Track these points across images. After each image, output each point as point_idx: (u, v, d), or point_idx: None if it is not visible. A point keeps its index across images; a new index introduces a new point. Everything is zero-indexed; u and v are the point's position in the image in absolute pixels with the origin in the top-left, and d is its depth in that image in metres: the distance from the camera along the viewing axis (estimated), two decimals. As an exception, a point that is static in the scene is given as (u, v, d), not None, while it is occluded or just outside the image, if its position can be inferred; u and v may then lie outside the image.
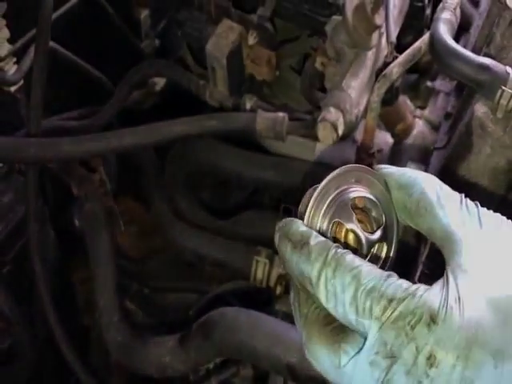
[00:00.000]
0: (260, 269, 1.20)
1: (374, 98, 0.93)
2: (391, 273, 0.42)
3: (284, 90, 1.24)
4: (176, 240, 1.27)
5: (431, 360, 0.39)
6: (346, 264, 0.41)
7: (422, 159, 0.99)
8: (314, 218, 0.44)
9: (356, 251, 0.45)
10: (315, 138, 0.96)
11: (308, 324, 0.44)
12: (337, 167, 0.45)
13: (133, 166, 1.39)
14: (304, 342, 0.44)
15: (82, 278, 1.44)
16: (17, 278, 1.12)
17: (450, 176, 0.83)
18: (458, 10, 0.84)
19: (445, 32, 0.74)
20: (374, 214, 0.46)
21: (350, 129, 0.96)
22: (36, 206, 1.04)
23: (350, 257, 0.42)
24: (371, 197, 0.45)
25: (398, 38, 0.98)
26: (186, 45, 1.18)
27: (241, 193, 1.44)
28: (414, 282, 0.41)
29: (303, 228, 0.44)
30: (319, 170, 1.14)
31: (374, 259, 0.47)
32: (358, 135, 1.09)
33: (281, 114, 1.02)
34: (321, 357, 0.43)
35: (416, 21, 1.09)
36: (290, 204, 1.25)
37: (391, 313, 0.39)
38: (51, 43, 0.99)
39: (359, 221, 0.45)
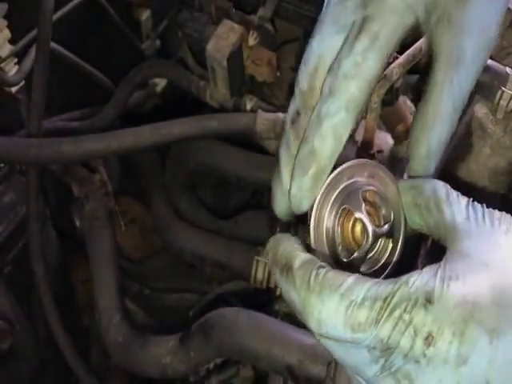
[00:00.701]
0: (260, 269, 1.20)
1: (374, 99, 0.93)
2: (379, 280, 0.41)
3: (284, 91, 1.24)
4: (176, 240, 1.27)
5: (429, 340, 0.39)
6: (329, 285, 0.41)
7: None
8: (324, 203, 0.44)
9: (359, 245, 0.45)
10: (315, 139, 0.96)
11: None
12: (336, 168, 0.45)
13: (133, 166, 1.39)
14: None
15: (82, 278, 1.45)
16: (17, 279, 1.12)
17: (449, 177, 0.83)
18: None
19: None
20: (383, 211, 0.46)
21: (350, 129, 0.96)
22: (37, 206, 1.04)
23: (331, 274, 0.41)
24: (383, 193, 0.46)
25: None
26: (186, 46, 1.18)
27: (241, 193, 1.44)
28: None
29: (288, 248, 0.44)
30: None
31: (378, 255, 0.46)
32: (358, 136, 1.09)
33: (281, 115, 1.02)
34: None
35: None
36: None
37: (387, 306, 0.40)
38: (52, 44, 0.99)
39: (368, 213, 0.45)
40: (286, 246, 0.45)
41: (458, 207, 0.45)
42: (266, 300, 1.20)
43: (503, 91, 0.67)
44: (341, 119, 0.44)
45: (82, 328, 1.42)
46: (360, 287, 0.41)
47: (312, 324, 0.41)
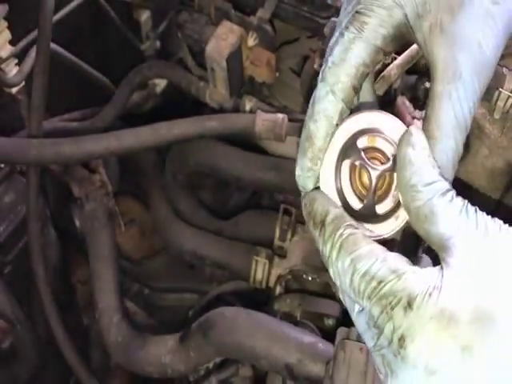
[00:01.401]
0: (259, 269, 1.20)
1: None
2: (389, 254, 0.43)
3: (284, 92, 1.24)
4: (176, 240, 1.28)
5: (401, 342, 0.40)
6: (347, 247, 0.44)
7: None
8: (328, 171, 0.47)
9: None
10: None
11: None
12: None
13: (133, 166, 1.39)
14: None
15: (82, 278, 1.45)
16: (18, 278, 1.12)
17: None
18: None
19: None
20: (385, 150, 0.46)
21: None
22: (37, 206, 1.05)
23: (353, 238, 0.44)
24: (382, 134, 0.46)
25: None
26: (186, 46, 1.18)
27: (240, 193, 1.45)
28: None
29: (323, 203, 0.47)
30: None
31: (389, 187, 0.46)
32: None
33: (280, 116, 1.03)
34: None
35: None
36: (289, 205, 1.26)
37: (378, 292, 0.42)
38: (52, 45, 1.00)
39: (369, 157, 0.46)
40: (321, 201, 0.48)
41: (449, 217, 0.43)
42: (265, 300, 1.21)
43: (500, 92, 0.68)
44: (329, 101, 0.47)
45: (82, 328, 1.42)
46: (367, 259, 0.43)
47: (330, 271, 0.46)
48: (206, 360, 0.94)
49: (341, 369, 0.65)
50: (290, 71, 1.21)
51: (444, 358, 0.39)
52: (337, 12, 1.00)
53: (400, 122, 0.46)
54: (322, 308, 1.04)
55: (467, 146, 0.78)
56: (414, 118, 1.17)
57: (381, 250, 0.44)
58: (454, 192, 0.44)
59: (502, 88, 0.67)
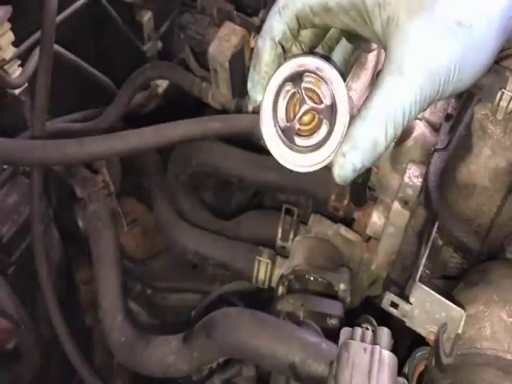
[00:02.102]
0: (262, 269, 1.20)
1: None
2: None
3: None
4: (178, 240, 1.28)
5: None
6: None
7: (423, 160, 1.00)
8: (272, 89, 0.52)
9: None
10: (317, 140, 0.96)
11: None
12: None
13: (135, 167, 1.40)
14: None
15: (85, 278, 1.45)
16: (21, 279, 1.12)
17: (450, 177, 0.83)
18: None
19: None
20: (325, 96, 0.51)
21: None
22: (40, 207, 1.05)
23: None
24: (328, 80, 0.50)
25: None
26: (188, 47, 1.19)
27: (242, 194, 1.45)
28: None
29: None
30: (320, 171, 1.15)
31: (311, 130, 0.51)
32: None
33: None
34: None
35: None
36: (291, 205, 1.26)
37: None
38: (54, 46, 1.00)
39: (308, 94, 0.51)
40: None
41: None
42: (267, 300, 1.21)
43: (503, 92, 0.68)
44: (275, 20, 0.52)
45: (85, 328, 1.42)
46: None
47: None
48: (210, 360, 0.94)
49: (344, 369, 0.65)
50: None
51: None
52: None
53: (345, 88, 0.50)
54: (325, 308, 1.04)
55: (470, 146, 0.78)
56: (415, 118, 1.17)
57: None
58: None
59: (505, 89, 0.67)
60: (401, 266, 1.02)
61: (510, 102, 0.68)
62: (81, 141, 0.98)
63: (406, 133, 1.12)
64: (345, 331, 0.73)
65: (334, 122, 0.50)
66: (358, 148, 0.48)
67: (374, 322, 0.73)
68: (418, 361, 0.77)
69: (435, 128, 0.99)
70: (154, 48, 1.42)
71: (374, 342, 0.70)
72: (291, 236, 1.22)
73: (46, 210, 1.16)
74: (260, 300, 1.25)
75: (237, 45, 1.09)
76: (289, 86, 0.51)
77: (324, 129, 0.50)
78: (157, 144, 1.01)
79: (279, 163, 0.53)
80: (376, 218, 1.09)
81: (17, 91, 1.07)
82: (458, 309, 0.70)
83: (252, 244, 1.25)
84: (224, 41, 1.08)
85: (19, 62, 1.06)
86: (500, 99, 0.69)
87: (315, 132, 0.51)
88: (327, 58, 0.56)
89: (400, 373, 0.72)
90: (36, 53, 1.05)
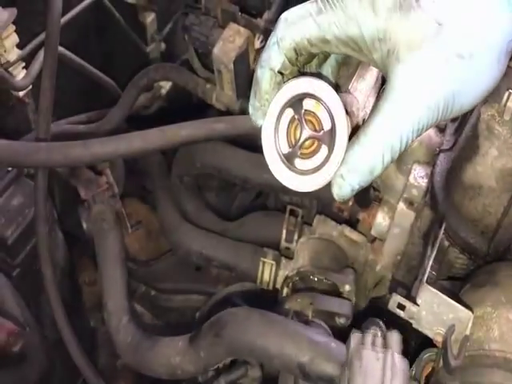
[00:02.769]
0: (267, 270, 1.20)
1: (380, 101, 0.93)
2: None
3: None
4: (182, 242, 1.28)
5: None
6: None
7: (429, 161, 0.99)
8: (273, 113, 0.53)
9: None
10: (321, 141, 0.96)
11: None
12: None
13: (139, 168, 1.40)
14: None
15: (88, 280, 1.45)
16: (26, 281, 1.12)
17: (456, 178, 0.83)
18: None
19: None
20: (324, 121, 0.52)
21: (357, 131, 0.97)
22: (45, 209, 1.05)
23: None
24: (326, 105, 0.52)
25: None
26: (192, 49, 1.19)
27: (247, 195, 1.45)
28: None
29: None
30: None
31: (312, 154, 0.53)
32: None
33: (287, 117, 1.03)
34: None
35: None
36: (295, 206, 1.26)
37: None
38: (59, 48, 1.00)
39: (308, 120, 0.53)
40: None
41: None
42: (272, 301, 1.21)
43: (510, 93, 0.68)
44: (274, 51, 0.53)
45: (89, 329, 1.42)
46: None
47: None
48: (217, 360, 0.94)
49: (357, 377, 0.65)
50: (297, 73, 1.21)
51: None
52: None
53: (344, 112, 0.51)
54: (333, 307, 1.04)
55: (476, 147, 0.78)
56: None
57: None
58: None
59: (512, 89, 0.67)
60: (406, 267, 1.02)
61: (517, 102, 0.68)
62: (85, 142, 0.98)
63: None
64: (355, 336, 0.73)
65: (333, 146, 0.52)
66: (356, 172, 0.50)
67: (383, 324, 0.73)
68: (426, 362, 0.77)
69: (441, 129, 0.99)
70: (158, 49, 1.42)
71: (385, 346, 0.70)
72: (296, 237, 1.22)
73: (51, 211, 1.16)
74: (264, 301, 1.25)
75: (241, 46, 1.09)
76: (289, 110, 0.53)
77: (324, 151, 0.52)
78: (161, 146, 1.01)
79: None
80: (381, 218, 1.09)
81: (21, 93, 1.07)
82: (466, 310, 0.70)
83: (256, 245, 1.25)
84: (228, 42, 1.08)
85: (23, 64, 1.06)
86: (507, 100, 0.69)
87: (315, 154, 0.53)
88: (319, 74, 0.57)
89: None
90: (40, 55, 1.05)
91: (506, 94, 0.68)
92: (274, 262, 1.20)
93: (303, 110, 0.52)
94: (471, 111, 0.83)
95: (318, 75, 0.56)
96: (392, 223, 1.04)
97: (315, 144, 0.52)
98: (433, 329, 0.73)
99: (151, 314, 1.43)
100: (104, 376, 1.20)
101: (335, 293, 1.12)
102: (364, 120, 0.97)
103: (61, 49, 1.09)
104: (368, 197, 1.10)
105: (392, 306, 0.74)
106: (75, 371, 1.15)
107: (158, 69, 1.27)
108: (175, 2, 1.40)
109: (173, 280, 1.42)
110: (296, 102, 0.52)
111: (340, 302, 1.06)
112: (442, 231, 0.83)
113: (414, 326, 0.75)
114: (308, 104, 0.52)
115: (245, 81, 1.16)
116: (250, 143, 1.23)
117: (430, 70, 0.48)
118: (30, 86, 1.08)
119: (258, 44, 1.11)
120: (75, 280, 1.37)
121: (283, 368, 0.85)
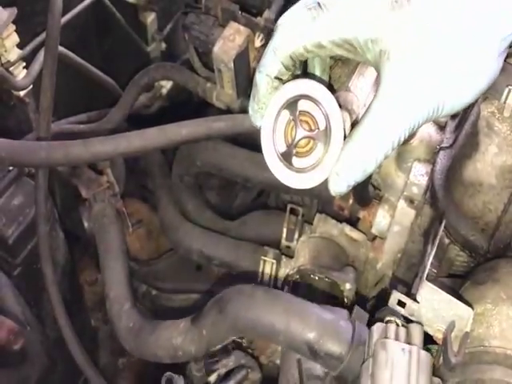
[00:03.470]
0: (267, 269, 1.20)
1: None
2: None
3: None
4: (183, 241, 1.28)
5: None
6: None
7: (429, 158, 0.99)
8: (271, 115, 0.56)
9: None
10: (322, 139, 0.96)
11: None
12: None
13: (139, 167, 1.40)
14: None
15: (89, 279, 1.46)
16: (27, 280, 1.13)
17: (456, 175, 0.83)
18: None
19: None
20: (319, 120, 0.54)
21: (357, 129, 0.97)
22: (46, 208, 1.05)
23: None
24: (321, 105, 0.54)
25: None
26: (193, 48, 1.19)
27: (247, 193, 1.45)
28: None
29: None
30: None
31: (308, 153, 0.55)
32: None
33: (288, 116, 1.03)
34: None
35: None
36: (296, 205, 1.26)
37: None
38: (59, 47, 1.00)
39: (303, 120, 0.55)
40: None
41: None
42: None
43: (510, 90, 0.68)
44: (270, 59, 0.55)
45: (90, 329, 1.43)
46: None
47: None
48: (220, 339, 0.89)
49: (383, 370, 0.65)
50: (297, 71, 1.21)
51: None
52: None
53: (340, 111, 0.53)
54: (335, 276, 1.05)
55: (476, 144, 0.78)
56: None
57: None
58: None
59: (512, 86, 0.67)
60: (406, 265, 1.02)
61: (516, 99, 0.68)
62: (85, 141, 0.98)
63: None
64: (378, 327, 0.72)
65: (329, 144, 0.54)
66: (350, 169, 0.52)
67: (401, 315, 0.73)
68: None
69: (441, 126, 0.99)
70: (158, 49, 1.42)
71: (408, 339, 0.69)
72: (296, 236, 1.22)
73: (52, 210, 1.16)
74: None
75: (241, 45, 1.09)
76: (285, 112, 0.56)
77: (320, 149, 0.54)
78: (161, 144, 1.01)
79: None
80: (381, 217, 1.09)
81: (22, 93, 1.08)
82: (466, 307, 0.70)
83: (257, 244, 1.25)
84: (228, 41, 1.08)
85: (24, 64, 1.06)
86: (507, 97, 0.69)
87: (311, 152, 0.55)
88: (313, 75, 0.59)
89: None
90: (41, 54, 1.05)
91: (506, 90, 0.68)
92: (274, 261, 1.20)
93: (298, 112, 0.54)
94: (471, 108, 0.83)
95: (312, 76, 0.59)
96: (392, 221, 1.04)
97: (311, 143, 0.55)
98: (433, 326, 0.73)
99: (152, 314, 1.43)
100: (105, 375, 1.20)
101: (336, 291, 1.12)
102: (363, 117, 0.97)
103: (61, 49, 1.09)
104: (368, 195, 1.10)
105: (392, 302, 0.74)
106: (76, 370, 1.15)
107: (158, 68, 1.27)
108: (176, 1, 1.41)
109: (173, 279, 1.42)
110: (292, 104, 0.55)
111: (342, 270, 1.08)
112: (442, 228, 0.83)
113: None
114: (303, 105, 0.55)
115: (245, 79, 1.16)
116: (251, 142, 1.23)
117: (420, 69, 0.49)
118: (31, 86, 1.08)
119: (258, 43, 1.11)
120: (76, 279, 1.37)
121: (289, 345, 0.82)
